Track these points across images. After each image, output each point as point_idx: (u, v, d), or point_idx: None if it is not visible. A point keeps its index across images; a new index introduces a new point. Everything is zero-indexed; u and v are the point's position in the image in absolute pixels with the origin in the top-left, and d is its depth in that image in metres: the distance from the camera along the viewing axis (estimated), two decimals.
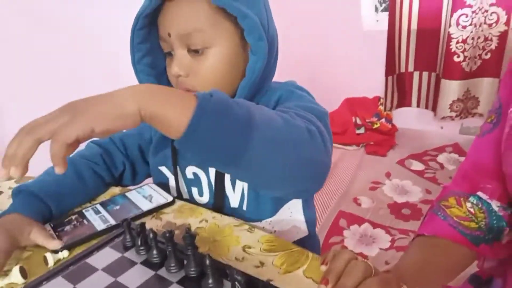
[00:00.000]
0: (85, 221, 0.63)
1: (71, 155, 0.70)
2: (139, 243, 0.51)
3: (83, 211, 0.67)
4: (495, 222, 0.59)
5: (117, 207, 0.67)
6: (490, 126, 0.62)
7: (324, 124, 0.56)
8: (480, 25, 1.97)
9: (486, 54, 2.04)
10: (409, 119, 2.49)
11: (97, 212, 0.66)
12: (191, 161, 0.69)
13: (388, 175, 2.08)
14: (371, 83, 2.43)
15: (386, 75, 2.24)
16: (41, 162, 0.71)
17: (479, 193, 0.61)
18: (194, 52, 0.59)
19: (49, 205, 0.64)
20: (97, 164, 0.73)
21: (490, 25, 1.96)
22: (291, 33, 2.69)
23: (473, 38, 2.00)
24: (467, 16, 1.96)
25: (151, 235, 0.50)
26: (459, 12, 1.95)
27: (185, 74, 0.60)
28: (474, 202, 0.60)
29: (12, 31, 1.30)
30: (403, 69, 2.26)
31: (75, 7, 1.42)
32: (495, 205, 0.60)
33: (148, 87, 0.43)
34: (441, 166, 2.14)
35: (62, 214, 0.66)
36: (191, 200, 0.72)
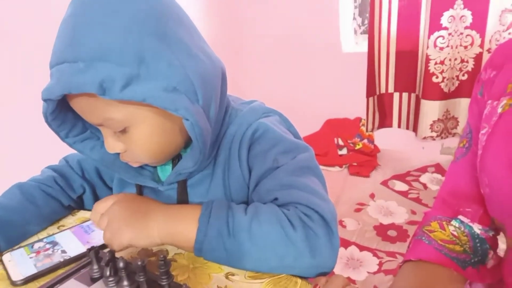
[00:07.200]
0: (49, 250, 0.57)
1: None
2: (108, 273, 0.46)
3: (47, 238, 0.60)
4: (478, 245, 0.59)
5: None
6: (463, 150, 0.63)
7: (314, 167, 0.61)
8: (456, 47, 2.02)
9: (463, 75, 2.08)
10: (390, 140, 2.49)
11: (62, 239, 0.60)
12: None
13: (372, 196, 2.06)
14: (352, 104, 2.44)
15: (367, 96, 2.25)
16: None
17: (460, 217, 0.62)
18: (119, 131, 0.53)
19: None
20: (49, 186, 0.66)
21: (465, 47, 2.01)
22: (272, 56, 2.71)
23: (450, 60, 2.04)
24: (443, 38, 2.00)
25: (121, 264, 0.44)
26: (436, 34, 2.00)
27: (121, 151, 0.55)
28: (457, 225, 0.61)
29: None
30: (383, 90, 2.28)
31: None
32: (476, 228, 0.60)
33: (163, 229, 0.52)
34: (424, 186, 2.13)
35: (15, 241, 0.60)
36: None
